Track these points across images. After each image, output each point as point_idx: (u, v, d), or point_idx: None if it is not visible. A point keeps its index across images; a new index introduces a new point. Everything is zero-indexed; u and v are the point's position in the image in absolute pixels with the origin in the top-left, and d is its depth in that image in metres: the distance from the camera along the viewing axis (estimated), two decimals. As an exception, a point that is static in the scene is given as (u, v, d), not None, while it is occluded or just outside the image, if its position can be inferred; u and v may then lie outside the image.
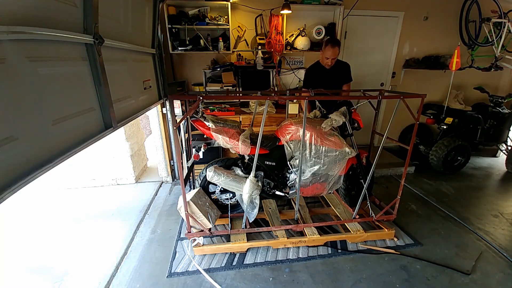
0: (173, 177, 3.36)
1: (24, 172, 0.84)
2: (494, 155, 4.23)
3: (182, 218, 2.52)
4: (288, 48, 3.29)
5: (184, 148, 2.61)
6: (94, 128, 1.28)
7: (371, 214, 2.26)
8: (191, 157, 2.57)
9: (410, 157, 2.11)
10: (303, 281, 1.85)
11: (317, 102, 2.28)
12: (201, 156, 2.39)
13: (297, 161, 2.04)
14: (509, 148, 3.89)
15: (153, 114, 3.03)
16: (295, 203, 2.21)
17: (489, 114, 3.67)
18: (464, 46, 3.75)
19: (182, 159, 2.55)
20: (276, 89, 3.48)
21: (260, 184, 1.99)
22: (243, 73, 3.25)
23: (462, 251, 2.13)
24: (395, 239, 2.23)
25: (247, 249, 2.11)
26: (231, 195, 2.28)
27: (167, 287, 1.81)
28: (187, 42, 3.02)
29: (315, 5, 3.27)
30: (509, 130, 3.85)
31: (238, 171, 2.12)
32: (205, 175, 2.11)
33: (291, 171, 2.15)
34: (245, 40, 3.31)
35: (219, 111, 3.06)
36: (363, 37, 3.65)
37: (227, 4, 2.89)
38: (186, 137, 2.65)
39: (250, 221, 2.10)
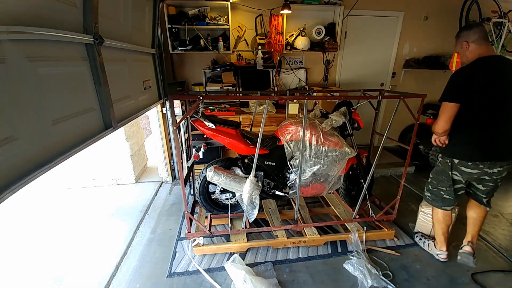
0: (173, 177, 3.36)
1: (24, 172, 0.84)
2: (494, 155, 4.22)
3: (182, 218, 2.53)
4: (288, 48, 3.29)
5: (184, 148, 2.61)
6: (94, 128, 1.28)
7: (371, 214, 2.26)
8: (191, 157, 2.57)
9: (410, 157, 2.11)
10: (303, 281, 1.85)
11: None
12: (201, 156, 2.39)
13: (297, 161, 2.04)
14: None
15: (153, 114, 3.03)
16: (295, 203, 2.21)
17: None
18: (464, 46, 3.75)
19: (182, 159, 2.55)
20: (276, 89, 3.48)
21: (260, 184, 1.99)
22: (243, 73, 3.25)
23: (462, 251, 2.12)
24: (395, 239, 2.23)
25: (247, 249, 2.11)
26: (231, 195, 2.28)
27: (167, 287, 1.81)
28: (187, 42, 3.02)
29: (315, 5, 3.26)
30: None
31: (238, 171, 2.11)
32: (205, 175, 2.11)
33: (291, 171, 2.15)
34: (245, 40, 3.31)
35: (219, 111, 3.06)
36: (363, 37, 3.65)
37: (227, 4, 2.89)
38: (186, 137, 2.65)
39: (250, 221, 2.10)
